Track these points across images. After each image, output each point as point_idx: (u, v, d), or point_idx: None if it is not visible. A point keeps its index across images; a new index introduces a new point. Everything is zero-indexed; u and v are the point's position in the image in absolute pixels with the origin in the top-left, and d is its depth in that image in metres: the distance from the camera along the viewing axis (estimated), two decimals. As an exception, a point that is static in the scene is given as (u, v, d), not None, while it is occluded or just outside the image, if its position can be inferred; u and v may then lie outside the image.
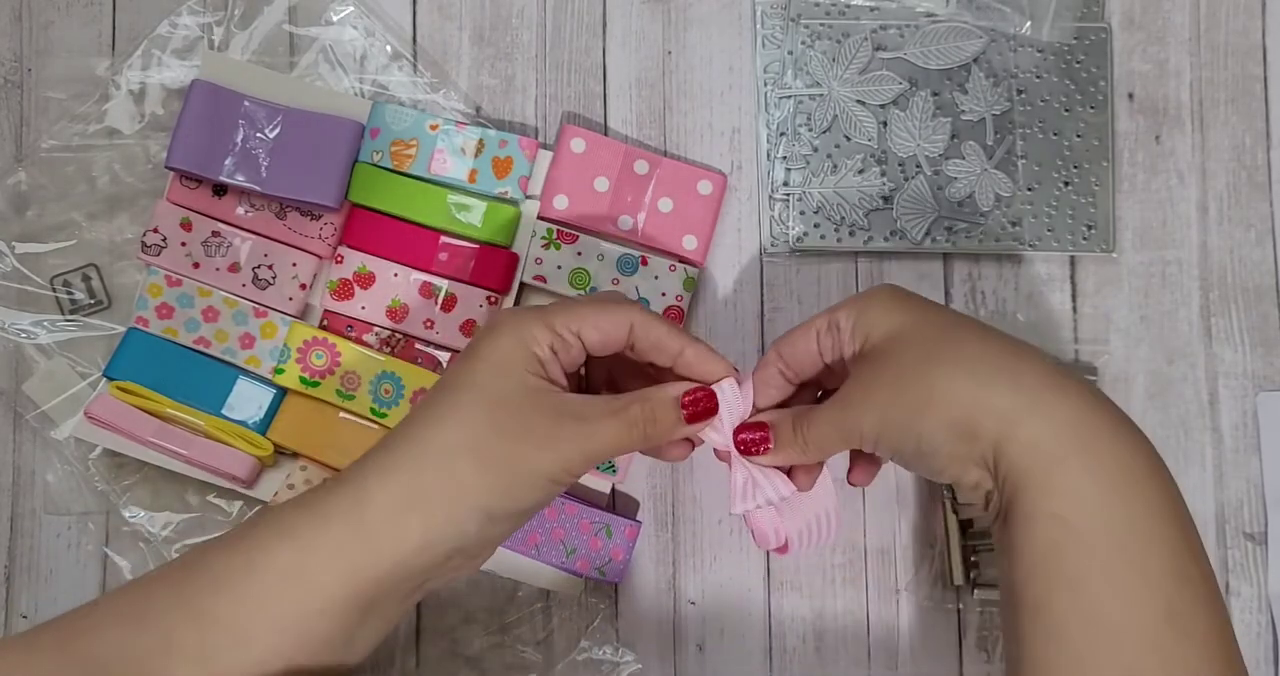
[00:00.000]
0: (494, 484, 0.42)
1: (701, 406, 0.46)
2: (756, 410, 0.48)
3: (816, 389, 0.50)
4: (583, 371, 0.50)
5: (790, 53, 0.62)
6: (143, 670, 0.41)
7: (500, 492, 0.43)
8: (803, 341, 0.47)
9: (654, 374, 0.48)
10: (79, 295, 0.61)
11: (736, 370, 0.47)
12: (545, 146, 0.61)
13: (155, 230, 0.59)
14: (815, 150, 0.62)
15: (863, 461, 0.50)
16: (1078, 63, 0.63)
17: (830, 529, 0.50)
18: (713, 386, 0.46)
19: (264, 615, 0.41)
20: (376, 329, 0.59)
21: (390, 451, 0.43)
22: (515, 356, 0.44)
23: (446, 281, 0.59)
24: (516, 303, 0.60)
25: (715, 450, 0.48)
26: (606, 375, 0.50)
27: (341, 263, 0.59)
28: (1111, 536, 0.40)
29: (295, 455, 0.59)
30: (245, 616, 0.41)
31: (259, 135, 0.58)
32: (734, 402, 0.47)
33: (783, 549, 0.50)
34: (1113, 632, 0.39)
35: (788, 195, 0.62)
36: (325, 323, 0.60)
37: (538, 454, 0.43)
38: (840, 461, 0.50)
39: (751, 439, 0.47)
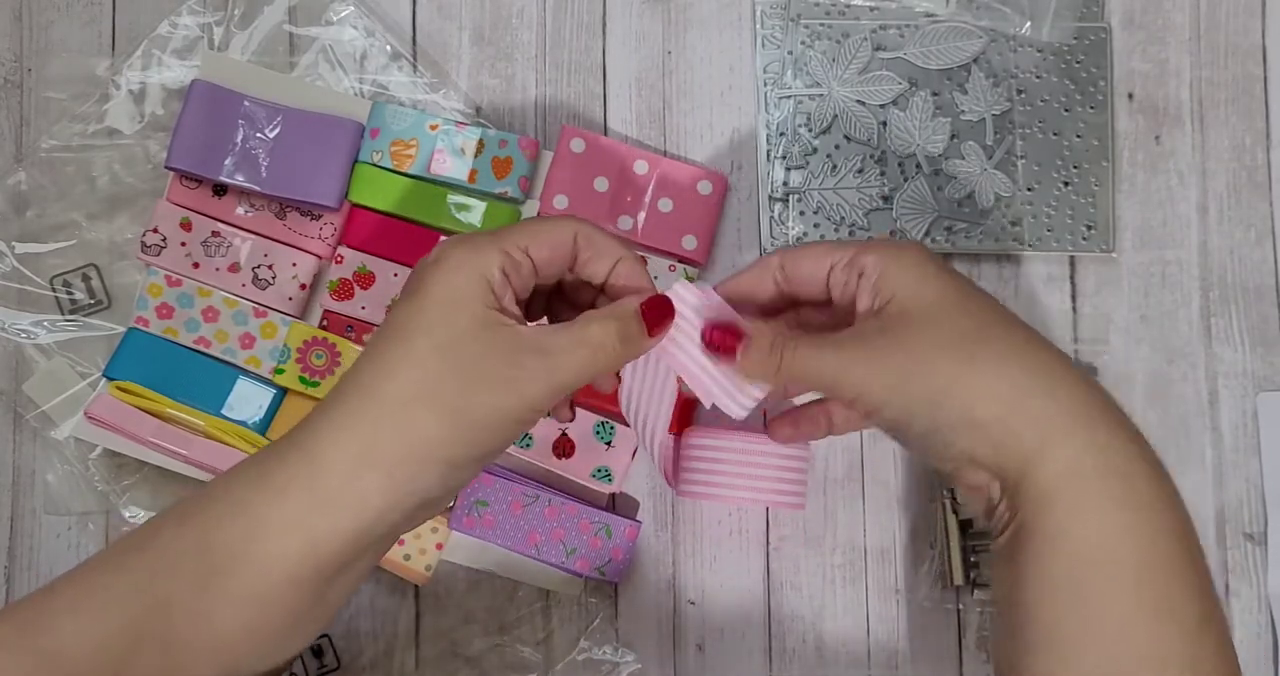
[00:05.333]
0: (456, 433, 0.40)
1: (659, 311, 0.44)
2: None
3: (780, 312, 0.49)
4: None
5: (790, 53, 0.62)
6: (112, 667, 0.39)
7: (464, 441, 0.41)
8: (812, 263, 0.45)
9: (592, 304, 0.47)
10: (79, 295, 0.61)
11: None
12: (545, 146, 0.61)
13: (155, 230, 0.59)
14: (815, 150, 0.62)
15: (808, 418, 0.49)
16: (1078, 63, 0.63)
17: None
18: (669, 291, 0.44)
19: (223, 595, 0.40)
20: (376, 329, 0.59)
21: (341, 406, 0.41)
22: (467, 289, 0.41)
23: (446, 281, 0.59)
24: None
25: (680, 375, 0.46)
26: (542, 312, 0.48)
27: (341, 263, 0.59)
28: (1141, 569, 0.40)
29: (295, 455, 0.59)
30: (205, 599, 0.40)
31: (259, 135, 0.58)
32: (696, 304, 0.45)
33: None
34: (1134, 665, 0.39)
35: (788, 195, 0.62)
36: (325, 323, 0.60)
37: (501, 397, 0.41)
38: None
39: (723, 339, 0.44)
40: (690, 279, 0.60)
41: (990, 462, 0.41)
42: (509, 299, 0.43)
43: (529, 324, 0.43)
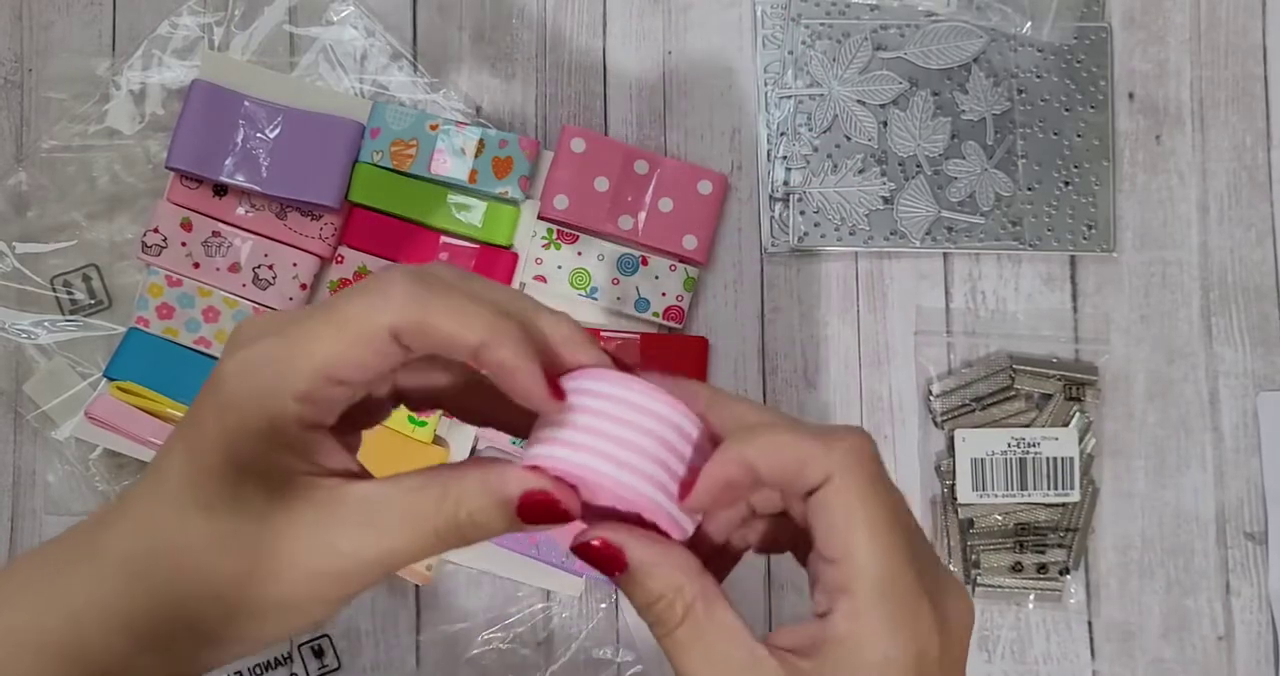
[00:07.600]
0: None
1: (540, 512, 0.30)
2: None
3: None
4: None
5: (790, 53, 0.62)
6: None
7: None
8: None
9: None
10: (79, 295, 0.61)
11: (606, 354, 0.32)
12: (545, 146, 0.61)
13: (155, 230, 0.59)
14: (815, 150, 0.62)
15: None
16: (1078, 62, 0.63)
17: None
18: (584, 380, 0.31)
19: None
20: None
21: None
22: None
23: (446, 281, 0.59)
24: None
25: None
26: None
27: (342, 263, 0.59)
28: None
29: (295, 455, 0.59)
30: None
31: (259, 135, 0.58)
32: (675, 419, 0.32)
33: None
34: None
35: (788, 195, 0.62)
36: (325, 323, 0.60)
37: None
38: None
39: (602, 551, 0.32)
40: (691, 279, 0.60)
41: None
42: (328, 451, 0.30)
43: (357, 481, 0.31)
